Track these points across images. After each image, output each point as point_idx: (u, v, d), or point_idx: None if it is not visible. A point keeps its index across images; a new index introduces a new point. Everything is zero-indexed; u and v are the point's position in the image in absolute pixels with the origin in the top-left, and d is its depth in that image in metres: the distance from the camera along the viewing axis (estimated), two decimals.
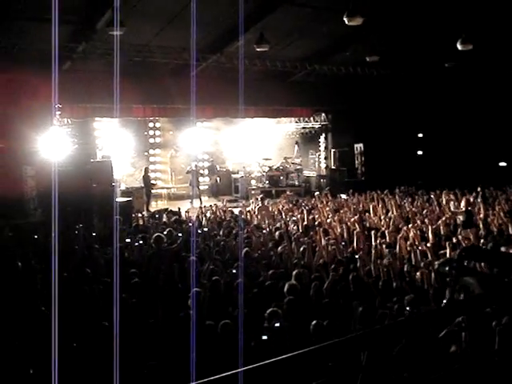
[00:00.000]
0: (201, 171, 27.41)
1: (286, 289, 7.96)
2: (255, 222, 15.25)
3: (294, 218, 15.11)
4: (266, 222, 15.12)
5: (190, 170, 24.91)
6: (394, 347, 5.23)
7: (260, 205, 17.90)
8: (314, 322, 6.35)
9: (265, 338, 6.08)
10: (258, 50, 17.33)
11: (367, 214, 15.04)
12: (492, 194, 17.70)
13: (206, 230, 14.01)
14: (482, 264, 7.73)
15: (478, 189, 17.33)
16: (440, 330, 5.33)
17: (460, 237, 11.34)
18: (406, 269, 9.26)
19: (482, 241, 11.08)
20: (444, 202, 16.32)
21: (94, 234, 13.94)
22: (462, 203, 12.73)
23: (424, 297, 7.84)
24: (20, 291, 8.48)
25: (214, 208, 17.95)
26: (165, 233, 12.98)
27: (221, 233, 13.60)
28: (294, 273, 8.71)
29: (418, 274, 8.93)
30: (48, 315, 5.40)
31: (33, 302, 8.02)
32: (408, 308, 7.05)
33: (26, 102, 16.98)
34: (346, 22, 14.66)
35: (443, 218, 13.32)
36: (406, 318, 5.03)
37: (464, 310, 3.88)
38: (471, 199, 16.17)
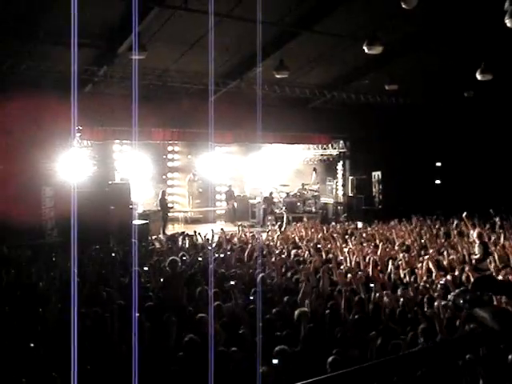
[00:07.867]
0: (217, 196, 27.39)
1: (296, 316, 7.91)
2: (274, 249, 15.17)
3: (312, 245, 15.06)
4: (285, 247, 15.05)
5: (266, 197, 24.65)
6: (406, 379, 5.17)
7: (279, 232, 17.83)
8: (331, 358, 6.30)
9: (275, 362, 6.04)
10: (278, 76, 17.42)
11: (382, 243, 14.92)
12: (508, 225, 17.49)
13: (222, 255, 13.98)
14: (498, 296, 7.63)
15: (496, 219, 17.19)
16: (451, 362, 5.27)
17: (476, 268, 11.23)
18: (423, 300, 9.18)
19: (499, 272, 10.97)
20: (463, 232, 16.19)
21: (110, 256, 14.05)
22: (475, 234, 12.64)
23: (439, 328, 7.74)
24: (35, 312, 8.51)
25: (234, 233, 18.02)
26: (183, 257, 13.03)
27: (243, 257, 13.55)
28: (307, 301, 8.67)
29: (434, 304, 8.84)
30: (64, 338, 5.41)
31: (47, 323, 8.05)
32: (422, 339, 6.98)
33: (47, 124, 17.17)
34: (366, 51, 14.74)
35: (460, 249, 13.23)
36: (417, 350, 4.99)
37: (476, 344, 3.84)
38: (485, 230, 15.97)
